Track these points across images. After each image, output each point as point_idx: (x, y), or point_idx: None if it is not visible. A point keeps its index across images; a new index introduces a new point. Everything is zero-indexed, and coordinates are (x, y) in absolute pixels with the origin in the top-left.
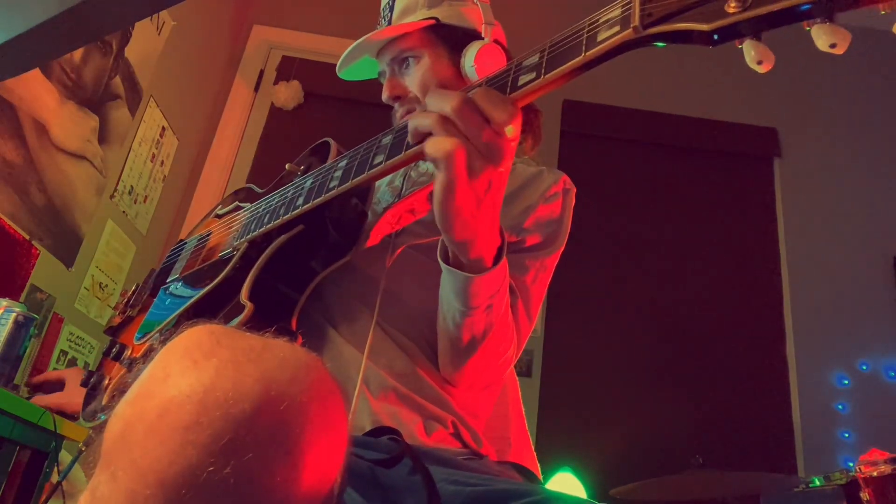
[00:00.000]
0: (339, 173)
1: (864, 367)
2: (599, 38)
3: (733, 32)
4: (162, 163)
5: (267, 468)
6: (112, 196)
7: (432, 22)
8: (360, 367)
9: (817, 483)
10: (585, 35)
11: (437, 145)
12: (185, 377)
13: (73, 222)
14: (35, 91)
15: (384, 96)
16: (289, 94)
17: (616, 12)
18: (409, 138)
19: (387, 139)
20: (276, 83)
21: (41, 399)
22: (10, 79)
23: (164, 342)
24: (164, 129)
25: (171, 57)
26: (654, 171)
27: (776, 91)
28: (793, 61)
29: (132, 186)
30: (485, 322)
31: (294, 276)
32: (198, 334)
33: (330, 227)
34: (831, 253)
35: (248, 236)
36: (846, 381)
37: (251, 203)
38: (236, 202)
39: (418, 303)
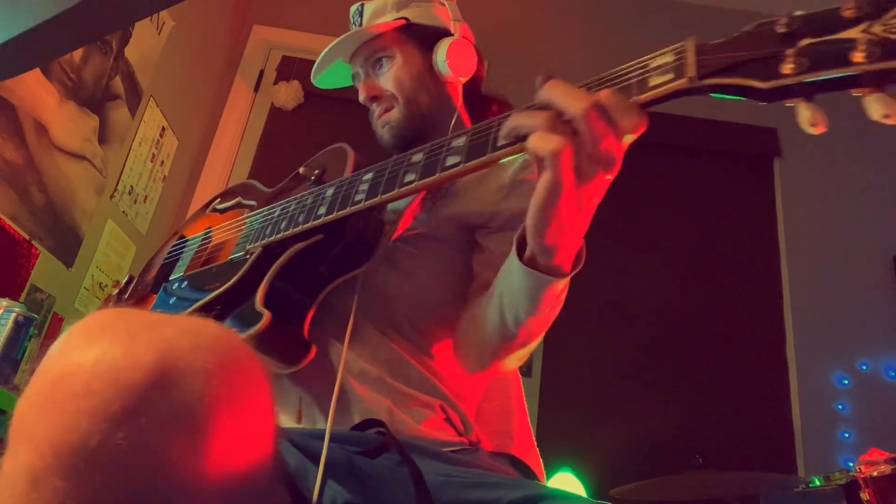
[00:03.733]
0: (364, 186)
1: (864, 367)
2: (651, 83)
3: (787, 93)
4: (162, 163)
5: (163, 435)
6: (112, 196)
7: (403, 22)
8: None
9: (817, 483)
10: (636, 79)
11: (543, 141)
12: (80, 350)
13: (73, 222)
14: (35, 91)
15: (361, 97)
16: (289, 94)
17: (668, 58)
18: (504, 138)
19: (418, 156)
20: (276, 83)
21: None
22: (10, 79)
23: None
24: (164, 129)
25: (171, 57)
26: (654, 171)
27: None
28: None
29: (132, 186)
30: (543, 321)
31: (307, 284)
32: (100, 314)
33: (349, 238)
34: (831, 253)
35: (264, 241)
36: (846, 381)
37: (256, 201)
38: (239, 199)
39: (403, 290)
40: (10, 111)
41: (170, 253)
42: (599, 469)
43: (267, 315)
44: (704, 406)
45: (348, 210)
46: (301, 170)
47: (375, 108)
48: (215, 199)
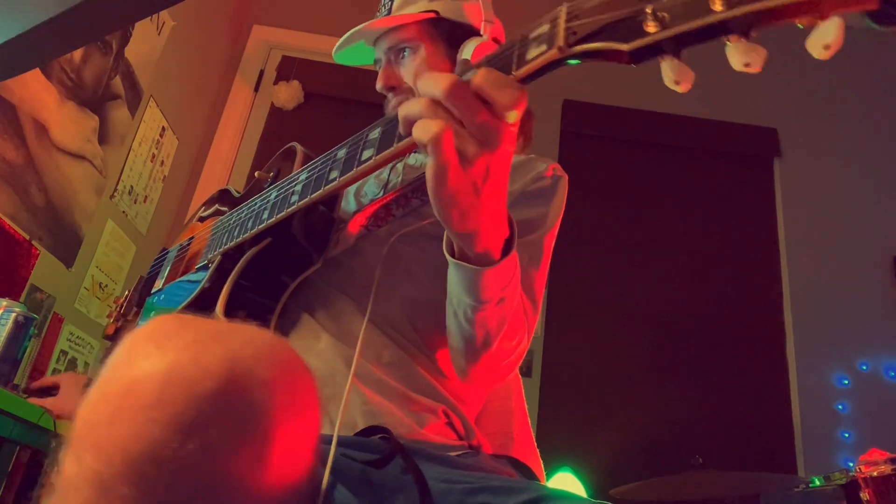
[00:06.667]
0: (298, 187)
1: (864, 367)
2: (528, 56)
3: (653, 51)
4: (162, 163)
5: (232, 445)
6: (112, 196)
7: (432, 15)
8: (345, 360)
9: (817, 483)
10: (517, 52)
11: (424, 127)
12: (149, 358)
13: (73, 222)
14: (35, 91)
15: (378, 85)
16: (289, 94)
17: (545, 28)
18: (401, 128)
19: (342, 152)
20: (276, 83)
21: (35, 402)
22: (10, 79)
23: None
24: (164, 129)
25: (171, 57)
26: (655, 171)
27: (776, 91)
28: (792, 61)
29: (132, 186)
30: (498, 316)
31: (268, 287)
32: (162, 320)
33: (297, 238)
34: (831, 252)
35: (221, 249)
36: (846, 381)
37: (228, 207)
38: (217, 206)
39: (403, 291)
40: (10, 111)
41: (152, 266)
42: (599, 469)
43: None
44: (704, 406)
45: (286, 212)
46: (257, 174)
47: (392, 98)
48: (200, 208)
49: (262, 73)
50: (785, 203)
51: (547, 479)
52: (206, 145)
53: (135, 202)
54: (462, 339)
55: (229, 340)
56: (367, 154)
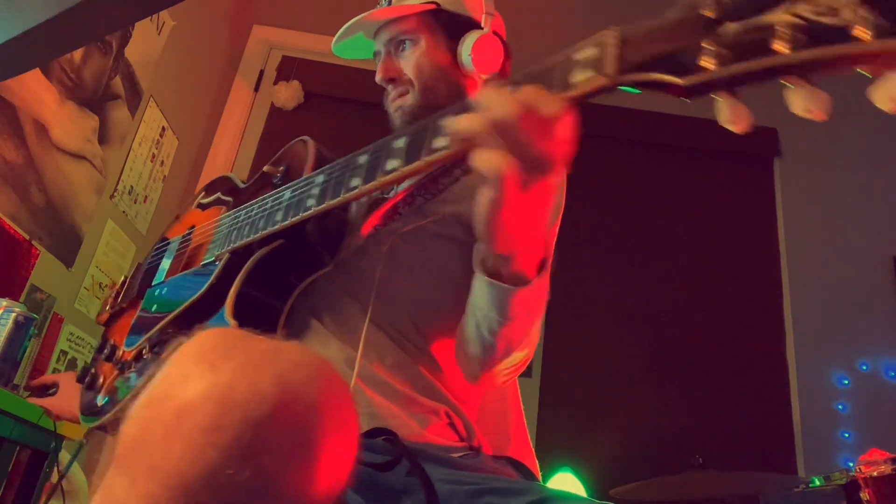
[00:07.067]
0: (315, 191)
1: (864, 367)
2: (573, 79)
3: (709, 87)
4: (162, 163)
5: (286, 469)
6: (112, 196)
7: (433, 6)
8: (348, 361)
9: (817, 483)
10: (558, 74)
11: (487, 158)
12: (203, 379)
13: (73, 222)
14: (35, 91)
15: (378, 77)
16: (289, 94)
17: (590, 52)
18: (446, 140)
19: (363, 158)
20: (276, 83)
21: (34, 401)
22: (10, 79)
23: (155, 351)
24: (164, 129)
25: (171, 57)
26: (655, 171)
27: (776, 91)
28: None
29: (132, 186)
30: (522, 329)
31: (277, 288)
32: (212, 337)
33: (310, 240)
34: (831, 253)
35: (230, 247)
36: (846, 381)
37: (232, 198)
38: (219, 194)
39: (405, 291)
40: (10, 111)
41: (153, 256)
42: (599, 469)
43: (233, 326)
44: (704, 406)
45: (300, 217)
46: (266, 168)
47: (391, 91)
48: (199, 194)
49: (262, 73)
50: (785, 203)
51: (547, 480)
52: (206, 145)
53: (135, 202)
54: (482, 350)
55: (279, 362)
56: (391, 164)
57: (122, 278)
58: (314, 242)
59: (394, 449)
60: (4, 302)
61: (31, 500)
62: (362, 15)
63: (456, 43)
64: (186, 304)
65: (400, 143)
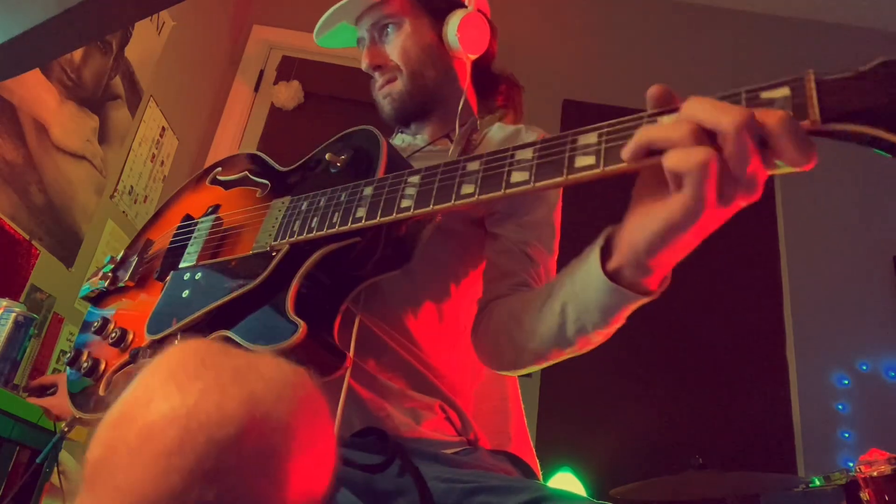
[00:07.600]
0: (411, 191)
1: (864, 367)
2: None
3: None
4: (162, 163)
5: (252, 491)
6: (112, 196)
7: None
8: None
9: (817, 483)
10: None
11: (688, 155)
12: (169, 400)
13: (73, 222)
14: (35, 91)
15: (364, 64)
16: (289, 94)
17: (783, 92)
18: (628, 152)
19: (474, 165)
20: (276, 83)
21: (34, 401)
22: (10, 79)
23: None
24: (164, 129)
25: (171, 57)
26: None
27: None
28: (793, 61)
29: (132, 186)
30: (605, 337)
31: (336, 287)
32: (182, 355)
33: (389, 242)
34: (831, 253)
35: (292, 238)
36: (846, 381)
37: (269, 181)
38: (245, 173)
39: (395, 285)
40: (10, 111)
41: (176, 235)
42: (599, 469)
43: (303, 326)
44: (704, 406)
45: (394, 217)
46: (327, 156)
47: (378, 78)
48: (215, 167)
49: (262, 73)
50: (785, 203)
51: (547, 480)
52: (206, 145)
53: (135, 202)
54: (554, 344)
55: (250, 381)
56: (518, 177)
57: (122, 253)
58: (392, 244)
59: (387, 448)
60: (4, 302)
61: (31, 500)
62: (341, 2)
63: (440, 23)
64: (233, 294)
65: (527, 153)
